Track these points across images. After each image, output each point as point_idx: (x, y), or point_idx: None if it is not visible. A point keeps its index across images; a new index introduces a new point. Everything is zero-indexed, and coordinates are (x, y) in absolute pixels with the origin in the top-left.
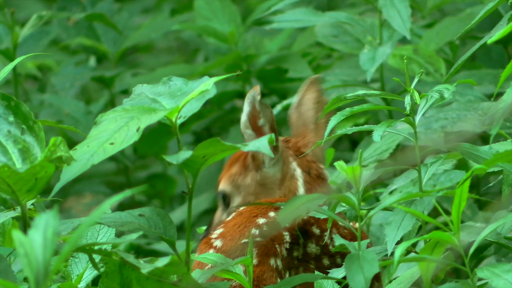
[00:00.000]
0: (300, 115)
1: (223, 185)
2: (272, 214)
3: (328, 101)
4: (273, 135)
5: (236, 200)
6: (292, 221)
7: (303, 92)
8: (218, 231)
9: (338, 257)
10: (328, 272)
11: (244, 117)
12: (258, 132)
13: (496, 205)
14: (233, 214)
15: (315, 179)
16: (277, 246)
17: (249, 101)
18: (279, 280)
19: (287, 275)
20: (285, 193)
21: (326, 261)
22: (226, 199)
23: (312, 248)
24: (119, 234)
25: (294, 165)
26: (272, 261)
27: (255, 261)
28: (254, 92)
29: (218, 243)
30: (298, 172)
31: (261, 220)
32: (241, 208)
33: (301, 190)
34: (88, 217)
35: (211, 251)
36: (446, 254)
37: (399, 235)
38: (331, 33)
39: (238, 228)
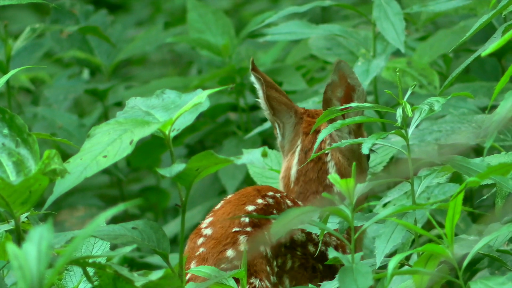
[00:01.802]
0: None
1: None
2: (260, 201)
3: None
4: (266, 148)
5: None
6: (286, 234)
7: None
8: (208, 220)
9: (322, 245)
10: (314, 260)
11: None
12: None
13: (489, 218)
14: (221, 202)
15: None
16: (266, 234)
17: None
18: (268, 268)
19: (275, 263)
20: (285, 169)
21: (311, 248)
22: None
23: (298, 235)
24: (112, 247)
25: (299, 141)
26: (262, 248)
27: (245, 248)
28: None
29: (208, 231)
30: (298, 149)
31: (250, 208)
32: (229, 196)
33: (293, 170)
34: (83, 230)
35: (201, 239)
36: (440, 267)
37: (388, 247)
38: (324, 46)
39: (228, 216)
